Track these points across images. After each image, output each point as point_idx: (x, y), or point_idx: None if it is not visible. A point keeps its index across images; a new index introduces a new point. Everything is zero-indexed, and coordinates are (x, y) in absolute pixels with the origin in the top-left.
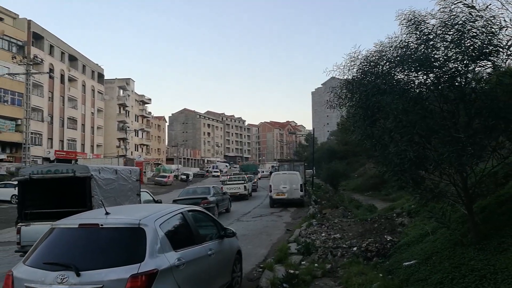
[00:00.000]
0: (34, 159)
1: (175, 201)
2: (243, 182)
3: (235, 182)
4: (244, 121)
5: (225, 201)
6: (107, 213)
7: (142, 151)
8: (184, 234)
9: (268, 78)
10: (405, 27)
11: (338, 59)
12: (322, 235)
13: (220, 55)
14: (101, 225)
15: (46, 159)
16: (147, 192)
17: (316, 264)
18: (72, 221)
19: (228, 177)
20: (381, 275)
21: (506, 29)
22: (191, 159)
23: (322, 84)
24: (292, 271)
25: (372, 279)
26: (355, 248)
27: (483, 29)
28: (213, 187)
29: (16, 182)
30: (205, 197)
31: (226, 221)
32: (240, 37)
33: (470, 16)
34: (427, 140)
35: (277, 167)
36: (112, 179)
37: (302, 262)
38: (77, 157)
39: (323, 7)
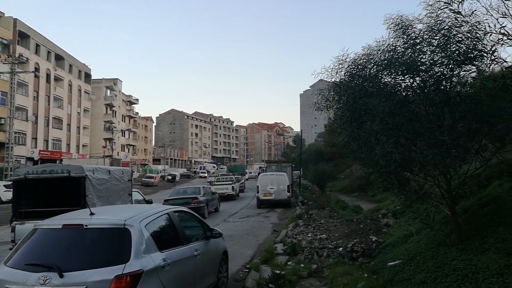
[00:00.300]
0: (18, 159)
1: (166, 201)
2: (231, 182)
3: (223, 183)
4: (233, 122)
5: (214, 201)
6: (91, 214)
7: (128, 152)
8: (170, 234)
9: (257, 79)
10: (392, 31)
11: (327, 61)
12: (309, 235)
13: (209, 56)
14: (86, 225)
15: (30, 159)
16: (138, 192)
17: (302, 265)
18: (56, 222)
19: (216, 178)
20: (366, 275)
21: (491, 35)
22: (178, 159)
23: (310, 86)
24: (278, 272)
25: (357, 279)
26: (340, 249)
27: (468, 34)
28: (203, 187)
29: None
30: (196, 197)
31: (213, 222)
32: (229, 39)
33: (456, 21)
34: (413, 143)
35: (264, 168)
36: (106, 179)
37: (288, 263)
38: (62, 157)
39: (313, 9)
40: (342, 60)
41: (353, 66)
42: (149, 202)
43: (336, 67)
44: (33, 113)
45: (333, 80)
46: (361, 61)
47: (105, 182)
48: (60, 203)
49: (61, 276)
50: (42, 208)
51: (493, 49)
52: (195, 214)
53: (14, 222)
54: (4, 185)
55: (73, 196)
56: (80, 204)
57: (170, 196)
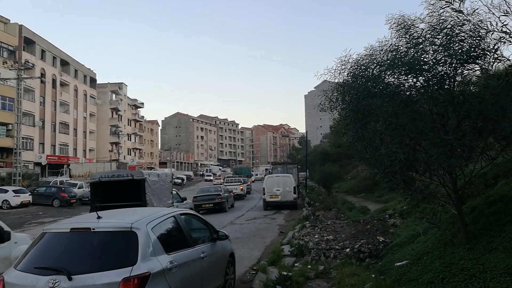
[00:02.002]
0: (26, 164)
1: (195, 197)
2: (239, 183)
3: (232, 184)
4: (238, 124)
5: (230, 198)
6: (99, 217)
7: (135, 155)
8: (176, 237)
9: (262, 81)
10: (395, 31)
11: (331, 62)
12: (315, 237)
13: (213, 59)
14: (93, 229)
15: (38, 164)
16: (175, 191)
17: (309, 266)
18: (64, 226)
19: (222, 180)
20: (373, 275)
21: (493, 33)
22: (185, 162)
23: (315, 87)
24: (285, 273)
25: (365, 279)
26: (347, 250)
27: (470, 33)
28: (222, 187)
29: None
30: (219, 194)
31: (220, 224)
32: (233, 41)
33: (458, 20)
34: (417, 142)
35: (270, 170)
36: (156, 181)
37: (295, 264)
38: (69, 161)
39: (316, 11)
40: (344, 61)
41: (356, 66)
42: (184, 199)
43: (339, 68)
44: (40, 119)
45: (336, 81)
46: (364, 61)
47: (156, 183)
48: (124, 199)
49: (70, 279)
50: (111, 203)
51: (495, 47)
52: (201, 216)
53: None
54: (13, 190)
55: (134, 194)
56: (140, 199)
57: (198, 193)
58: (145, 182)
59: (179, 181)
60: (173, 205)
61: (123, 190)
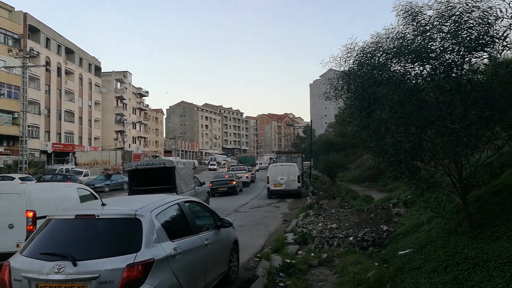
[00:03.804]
0: (32, 152)
1: (212, 182)
2: (245, 171)
3: (239, 172)
4: (242, 113)
5: (240, 184)
6: (103, 204)
7: (140, 144)
8: (180, 224)
9: (267, 70)
10: (402, 18)
11: (337, 50)
12: (319, 225)
13: (218, 47)
14: (97, 216)
15: (44, 152)
16: (196, 177)
17: (312, 254)
18: (69, 212)
19: (226, 169)
20: (376, 263)
21: (502, 20)
22: (189, 151)
23: (320, 76)
24: (288, 261)
25: (368, 267)
26: (351, 238)
27: (479, 19)
28: (234, 174)
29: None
30: (233, 179)
31: (224, 212)
32: (238, 30)
33: (467, 7)
34: (423, 131)
35: (274, 159)
36: (183, 168)
37: (299, 252)
38: (74, 149)
39: None
40: (350, 48)
41: (361, 54)
42: (203, 183)
43: (345, 55)
44: (45, 107)
45: (341, 69)
46: (370, 49)
47: (182, 169)
48: (157, 184)
49: (75, 264)
50: (146, 187)
51: (505, 34)
52: (205, 204)
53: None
54: (20, 178)
55: (165, 179)
56: (171, 183)
57: (214, 179)
58: (175, 169)
59: None
60: (195, 189)
61: (156, 176)
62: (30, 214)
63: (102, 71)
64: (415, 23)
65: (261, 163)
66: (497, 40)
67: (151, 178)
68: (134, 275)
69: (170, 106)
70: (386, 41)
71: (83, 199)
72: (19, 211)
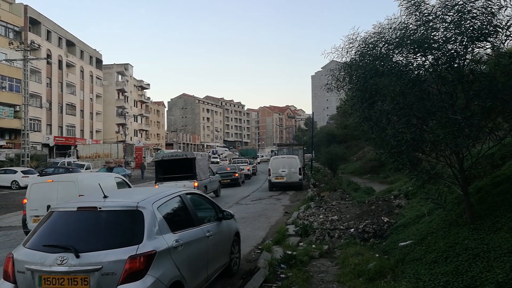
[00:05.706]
0: (34, 145)
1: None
2: (247, 164)
3: (240, 165)
4: (244, 105)
5: (242, 176)
6: (105, 197)
7: (141, 137)
8: (182, 216)
9: (268, 62)
10: (404, 8)
11: (339, 41)
12: (320, 217)
13: (219, 39)
14: (99, 208)
15: (46, 145)
16: (210, 167)
17: (313, 245)
18: (71, 205)
19: (228, 162)
20: (377, 255)
21: (506, 9)
22: (191, 144)
23: (322, 68)
24: (289, 252)
25: (368, 259)
26: (352, 230)
27: (483, 9)
28: (236, 166)
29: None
30: (236, 171)
31: (226, 204)
32: (239, 22)
33: None
34: (424, 122)
35: (276, 152)
36: (201, 159)
37: (300, 244)
38: (76, 142)
39: None
40: (352, 39)
41: (363, 45)
42: (215, 173)
43: (347, 46)
44: (47, 100)
45: (343, 60)
46: (372, 39)
47: (201, 160)
48: (179, 173)
49: (77, 256)
50: (171, 175)
51: (508, 24)
52: (207, 196)
53: (157, 183)
54: (22, 171)
55: (187, 168)
56: (192, 172)
57: (217, 171)
58: (195, 160)
59: None
60: (209, 177)
61: (179, 166)
62: None
63: (103, 63)
64: (418, 13)
65: (262, 156)
66: (500, 30)
67: (175, 167)
68: (136, 267)
69: (171, 99)
70: (389, 31)
71: (120, 185)
72: (74, 195)
